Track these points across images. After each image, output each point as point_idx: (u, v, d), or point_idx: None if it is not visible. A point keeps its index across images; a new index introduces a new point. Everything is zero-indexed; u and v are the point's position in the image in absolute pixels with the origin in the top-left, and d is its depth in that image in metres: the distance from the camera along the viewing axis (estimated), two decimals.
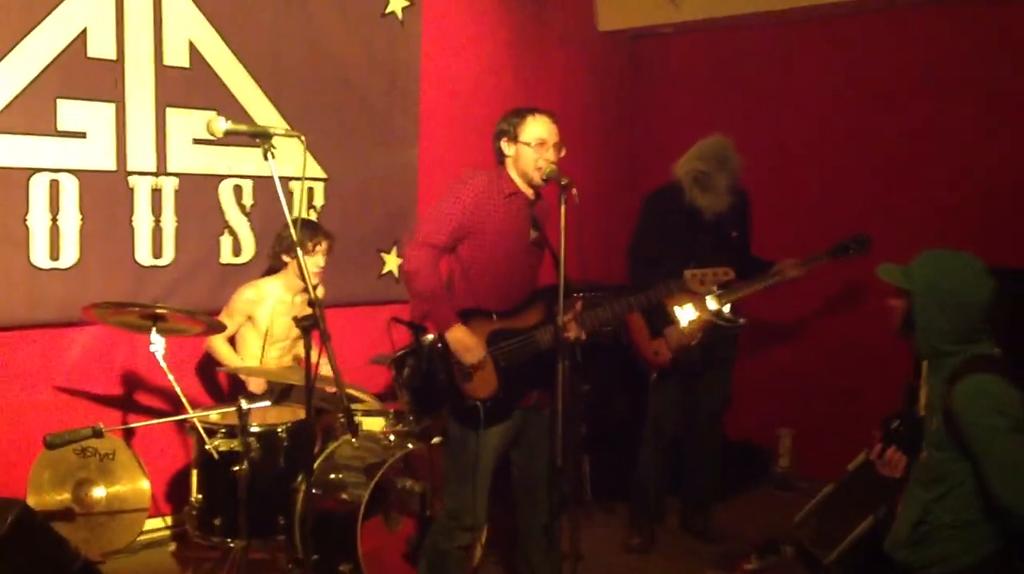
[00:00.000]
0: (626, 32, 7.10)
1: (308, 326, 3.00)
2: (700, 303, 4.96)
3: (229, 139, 4.97)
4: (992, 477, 3.03)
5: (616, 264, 5.60)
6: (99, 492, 4.79)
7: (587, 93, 7.08)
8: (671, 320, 4.99)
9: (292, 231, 3.04)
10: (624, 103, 7.33)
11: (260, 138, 2.97)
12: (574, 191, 3.69)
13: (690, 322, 4.97)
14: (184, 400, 4.14)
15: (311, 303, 3.03)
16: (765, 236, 5.44)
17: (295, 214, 3.11)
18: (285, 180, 5.25)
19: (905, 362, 5.21)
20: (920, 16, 5.93)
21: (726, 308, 5.01)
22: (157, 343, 4.13)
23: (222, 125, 2.93)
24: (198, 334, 4.49)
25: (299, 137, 3.05)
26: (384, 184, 5.90)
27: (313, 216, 5.60)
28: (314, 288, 4.97)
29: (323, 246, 4.84)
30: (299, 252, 3.08)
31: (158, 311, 4.13)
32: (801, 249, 5.17)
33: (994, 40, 5.70)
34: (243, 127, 2.98)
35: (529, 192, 4.07)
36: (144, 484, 4.90)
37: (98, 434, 3.97)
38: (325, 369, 5.05)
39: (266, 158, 2.94)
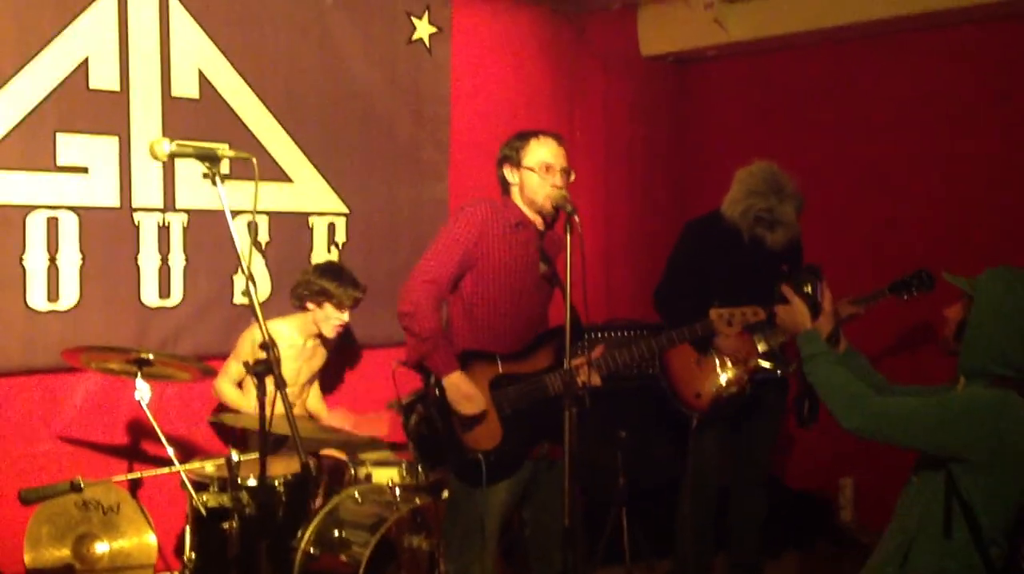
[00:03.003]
0: (671, 57, 6.74)
1: (261, 371, 2.66)
2: (748, 344, 4.55)
3: (242, 172, 4.81)
4: (897, 409, 2.86)
5: None
6: (102, 547, 4.51)
7: (631, 122, 6.73)
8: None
9: (248, 284, 2.70)
10: (670, 131, 6.96)
11: (207, 161, 2.66)
12: (576, 219, 3.33)
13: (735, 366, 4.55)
14: (170, 450, 3.85)
15: (263, 346, 2.69)
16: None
17: (247, 255, 2.74)
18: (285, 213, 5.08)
19: None
20: (989, 32, 5.47)
21: (771, 350, 4.58)
22: (142, 390, 3.86)
23: (166, 148, 2.63)
24: (187, 380, 4.22)
25: (250, 158, 2.74)
26: (412, 219, 5.59)
27: (335, 254, 5.33)
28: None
29: (351, 305, 4.64)
30: (256, 306, 2.74)
31: (143, 356, 3.85)
32: (860, 285, 4.74)
33: None
34: (189, 149, 2.67)
35: (539, 221, 3.73)
36: (150, 538, 4.61)
37: (77, 488, 3.70)
38: (329, 419, 4.87)
39: (214, 183, 2.63)
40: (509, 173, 3.74)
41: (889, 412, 2.88)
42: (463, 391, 3.55)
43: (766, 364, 4.55)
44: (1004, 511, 2.81)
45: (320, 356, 4.82)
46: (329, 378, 5.22)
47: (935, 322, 5.18)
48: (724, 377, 4.57)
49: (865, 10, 5.55)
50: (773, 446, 4.91)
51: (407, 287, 3.67)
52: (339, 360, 5.28)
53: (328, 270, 4.67)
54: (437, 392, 3.58)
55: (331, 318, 4.61)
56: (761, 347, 4.56)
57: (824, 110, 6.19)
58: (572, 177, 3.71)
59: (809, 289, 3.17)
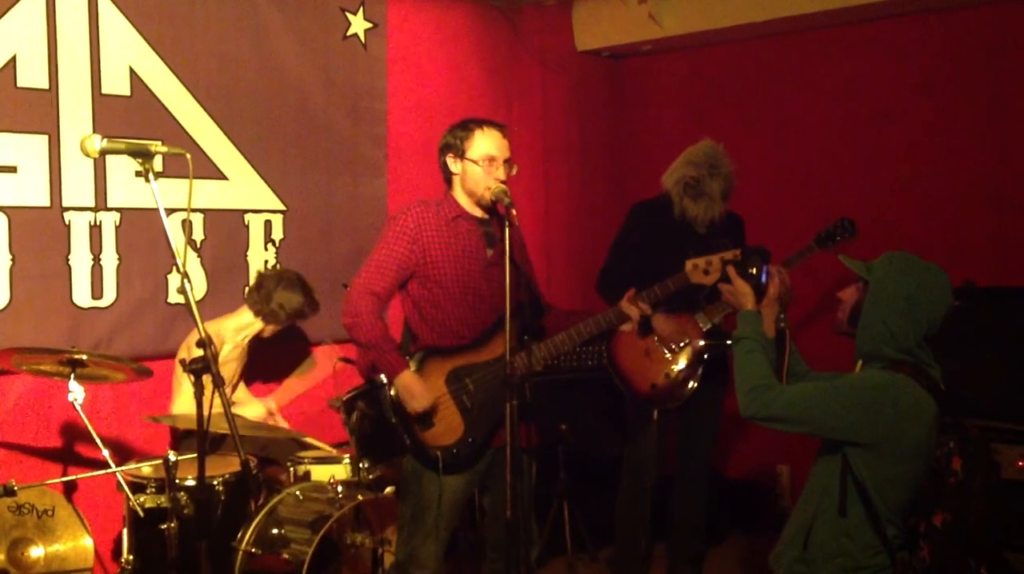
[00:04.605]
0: (606, 51, 6.77)
1: (199, 370, 2.63)
2: (689, 324, 4.58)
3: (176, 170, 4.75)
4: (790, 396, 2.90)
5: None
6: (37, 552, 4.42)
7: (567, 116, 6.75)
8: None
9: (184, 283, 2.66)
10: (607, 126, 6.99)
11: (139, 157, 2.62)
12: (514, 212, 3.35)
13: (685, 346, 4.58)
14: (105, 452, 3.80)
15: (200, 344, 2.66)
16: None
17: (182, 253, 2.71)
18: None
19: None
20: (917, 24, 5.58)
21: (715, 326, 4.62)
22: (76, 391, 3.80)
23: (97, 144, 2.60)
24: (122, 381, 4.16)
25: (184, 154, 2.71)
26: (349, 216, 5.56)
27: (272, 252, 5.28)
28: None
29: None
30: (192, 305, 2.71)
31: (76, 357, 3.79)
32: (802, 276, 4.80)
33: (996, 46, 5.35)
34: (121, 145, 2.64)
35: (478, 212, 3.74)
36: (86, 541, 4.53)
37: (10, 492, 3.64)
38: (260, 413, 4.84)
39: (147, 180, 2.60)
40: (452, 162, 3.74)
41: (781, 401, 2.90)
42: (410, 390, 3.57)
43: (712, 341, 4.57)
44: (897, 491, 2.88)
45: (246, 354, 4.79)
46: (269, 375, 5.19)
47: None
48: (677, 363, 4.60)
49: (797, 5, 5.62)
50: (715, 436, 4.95)
51: (348, 299, 3.70)
52: (279, 357, 5.25)
53: (299, 290, 4.70)
54: (392, 394, 3.57)
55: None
56: (704, 325, 4.59)
57: (758, 103, 6.27)
58: (515, 170, 3.72)
59: (754, 271, 3.17)
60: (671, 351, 4.60)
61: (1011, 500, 4.52)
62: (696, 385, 4.59)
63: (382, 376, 3.65)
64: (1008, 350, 4.69)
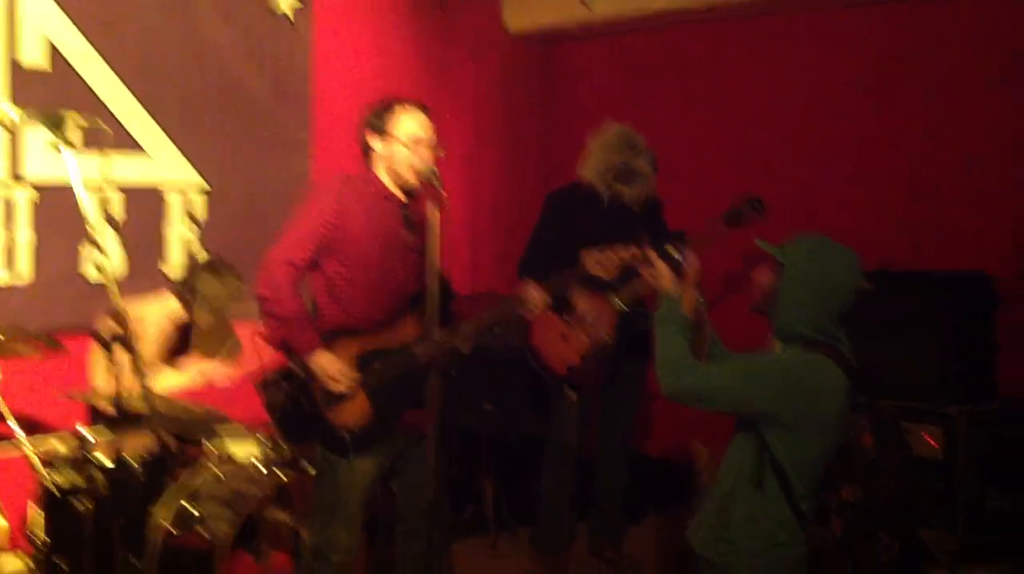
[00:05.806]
0: (536, 35, 6.77)
1: (110, 343, 2.60)
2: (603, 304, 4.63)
3: (95, 145, 4.65)
4: (709, 374, 2.99)
5: None
6: None
7: (497, 99, 6.76)
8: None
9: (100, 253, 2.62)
10: (537, 110, 7.01)
11: (55, 128, 2.58)
12: (443, 193, 3.34)
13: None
14: (16, 427, 3.72)
15: (116, 317, 2.63)
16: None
17: (97, 227, 2.67)
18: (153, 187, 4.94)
19: None
20: (854, 15, 5.65)
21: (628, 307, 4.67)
22: None
23: (11, 114, 2.55)
24: (37, 357, 4.08)
25: (101, 126, 2.67)
26: (273, 195, 5.49)
27: (193, 229, 5.22)
28: None
29: None
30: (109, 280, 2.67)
31: None
32: (718, 254, 4.83)
33: (931, 38, 5.43)
34: (36, 115, 2.59)
35: (399, 194, 3.71)
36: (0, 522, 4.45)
37: None
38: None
39: (59, 151, 2.55)
40: (373, 141, 3.70)
41: (701, 380, 2.98)
42: (330, 371, 3.52)
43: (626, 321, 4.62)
44: (812, 468, 2.97)
45: (172, 340, 4.72)
46: None
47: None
48: (592, 345, 4.64)
49: None
50: (634, 414, 5.01)
51: (264, 269, 3.60)
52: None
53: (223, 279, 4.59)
54: (302, 372, 3.53)
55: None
56: (618, 307, 4.63)
57: (688, 90, 6.30)
58: (441, 152, 3.69)
59: (674, 253, 3.21)
60: (586, 334, 4.64)
61: (924, 478, 4.63)
62: (610, 366, 4.65)
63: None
64: (920, 332, 4.78)
